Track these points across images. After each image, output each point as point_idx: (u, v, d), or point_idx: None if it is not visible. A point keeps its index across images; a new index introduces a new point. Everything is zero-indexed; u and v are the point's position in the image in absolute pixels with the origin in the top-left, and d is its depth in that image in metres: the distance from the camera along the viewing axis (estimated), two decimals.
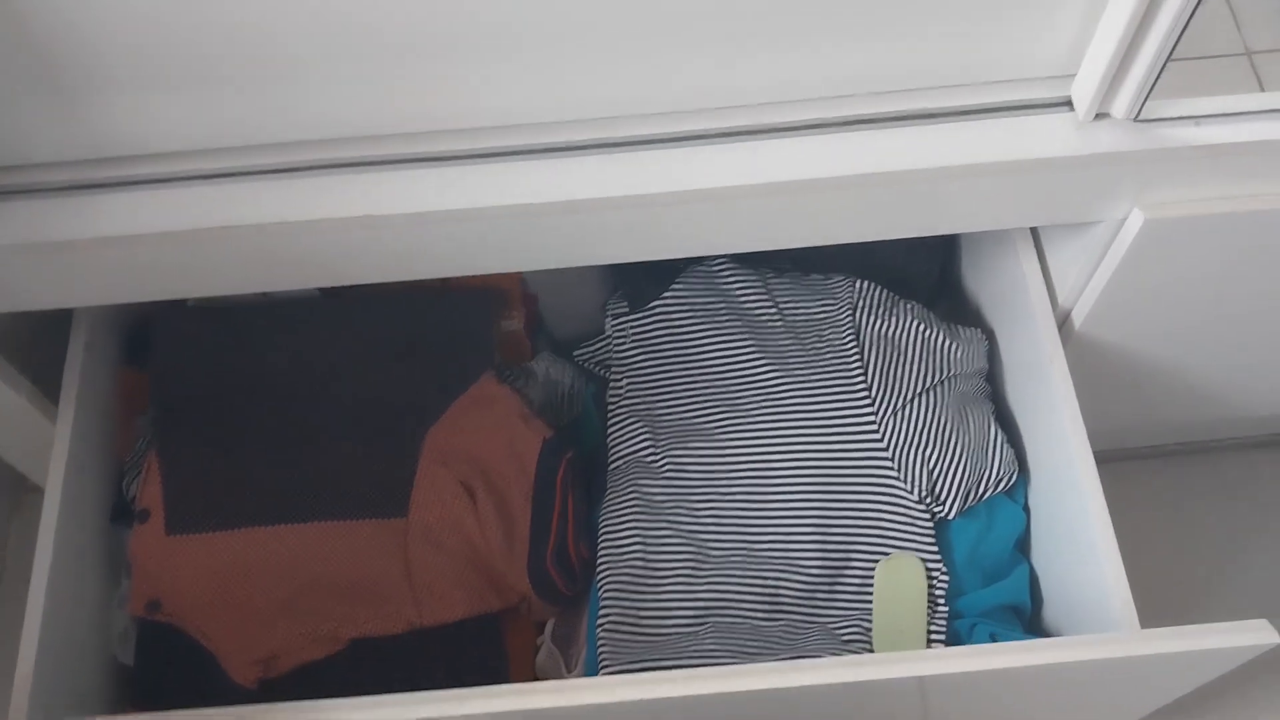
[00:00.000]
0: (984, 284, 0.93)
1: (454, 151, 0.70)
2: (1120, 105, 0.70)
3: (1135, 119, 0.71)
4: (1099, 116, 0.71)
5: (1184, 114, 0.71)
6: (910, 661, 0.66)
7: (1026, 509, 0.87)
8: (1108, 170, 0.72)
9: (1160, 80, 0.68)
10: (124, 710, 0.83)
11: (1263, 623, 0.64)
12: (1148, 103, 0.70)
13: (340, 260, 0.73)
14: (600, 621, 0.80)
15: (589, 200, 0.71)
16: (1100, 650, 0.65)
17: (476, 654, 0.82)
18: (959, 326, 0.90)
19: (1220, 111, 0.72)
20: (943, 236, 0.93)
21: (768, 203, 0.73)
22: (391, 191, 0.70)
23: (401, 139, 0.70)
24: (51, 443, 0.81)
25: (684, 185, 0.72)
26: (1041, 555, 0.86)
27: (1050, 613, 0.85)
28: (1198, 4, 0.63)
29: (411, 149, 0.70)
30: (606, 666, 0.78)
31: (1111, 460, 1.07)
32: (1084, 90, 0.70)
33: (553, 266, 0.77)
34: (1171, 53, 0.66)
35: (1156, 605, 1.03)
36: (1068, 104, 0.72)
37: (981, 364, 0.90)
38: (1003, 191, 0.74)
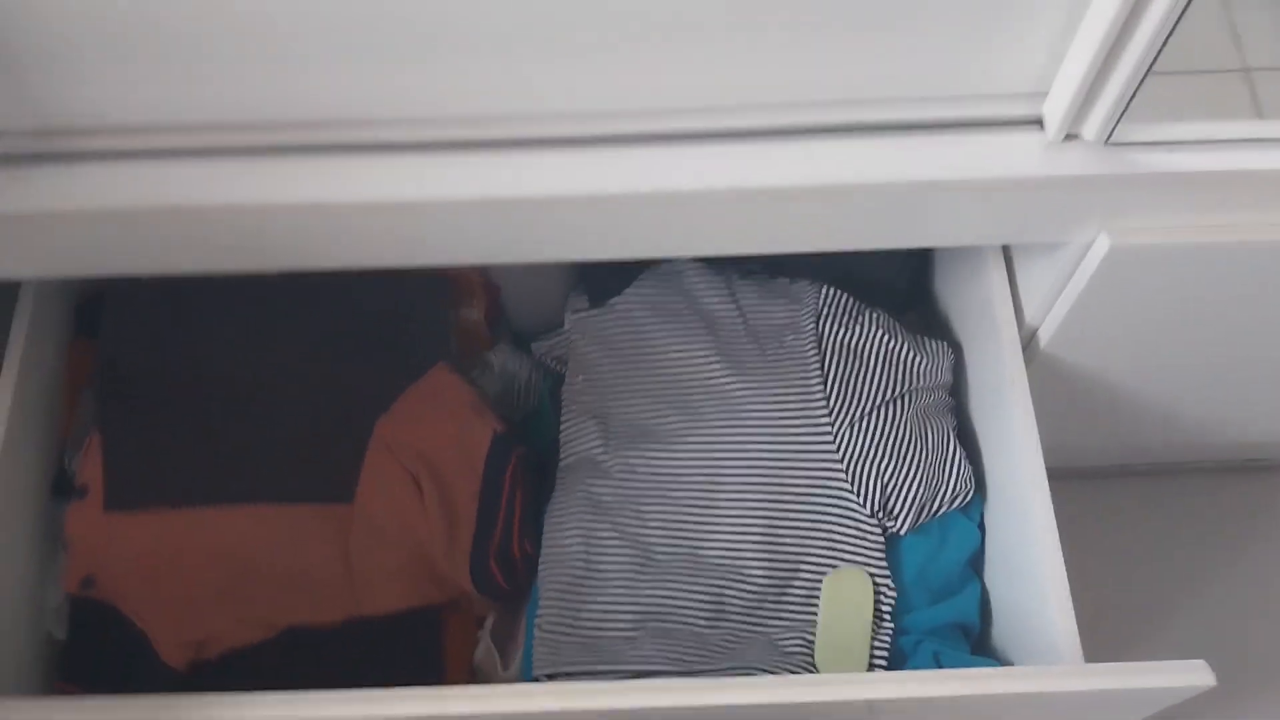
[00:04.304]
0: (954, 297, 0.92)
1: (407, 141, 0.69)
2: (1091, 128, 0.68)
3: (1106, 142, 0.69)
4: (1069, 138, 0.70)
5: (1158, 139, 0.70)
6: (849, 684, 0.65)
7: (982, 527, 0.86)
8: (1075, 193, 0.70)
9: (1141, 97, 0.67)
10: (53, 683, 0.82)
11: (1200, 664, 0.63)
12: (1120, 125, 0.68)
13: (286, 247, 0.71)
14: (538, 621, 0.79)
15: (550, 198, 0.69)
16: (1036, 683, 0.64)
17: (413, 647, 0.81)
18: (925, 339, 0.89)
19: (1196, 138, 0.70)
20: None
21: (732, 209, 0.72)
22: (340, 179, 0.68)
23: (353, 125, 0.68)
24: None
25: (648, 187, 0.70)
26: (993, 575, 0.85)
27: (998, 634, 0.84)
28: (1174, 28, 0.61)
29: (364, 136, 0.69)
30: (541, 668, 0.76)
31: (1072, 477, 1.06)
32: (1055, 110, 0.68)
33: (509, 262, 0.76)
34: (1145, 77, 0.65)
35: (1106, 627, 1.02)
36: (1039, 123, 0.70)
37: (946, 378, 0.88)
38: (969, 209, 0.73)
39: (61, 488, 0.84)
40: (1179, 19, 0.60)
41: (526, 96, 0.69)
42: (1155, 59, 0.63)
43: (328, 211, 0.69)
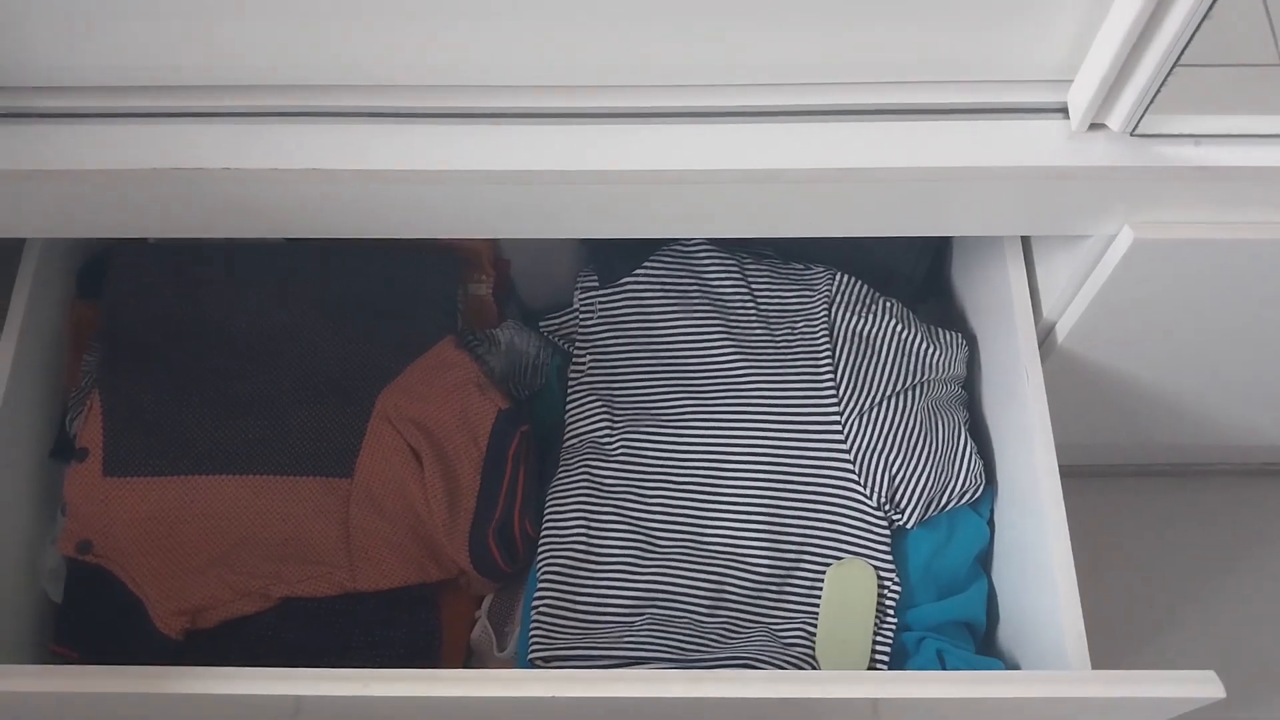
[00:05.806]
0: (971, 288, 0.90)
1: (412, 109, 0.68)
2: (1117, 118, 0.66)
3: (1132, 133, 0.67)
4: (1094, 127, 0.68)
5: (1184, 131, 0.68)
6: (848, 682, 0.64)
7: (991, 523, 0.84)
8: (1098, 184, 0.69)
9: (1171, 88, 0.65)
10: (49, 646, 0.82)
11: (1210, 674, 0.62)
12: (1147, 116, 0.66)
13: (290, 213, 0.70)
14: (535, 603, 0.77)
15: (559, 173, 0.68)
16: (1041, 689, 0.63)
17: (408, 624, 0.80)
18: (940, 330, 0.87)
19: (1223, 132, 0.68)
20: (933, 236, 0.90)
21: (746, 190, 0.70)
22: (345, 146, 0.67)
23: (358, 91, 0.67)
24: None
25: (659, 165, 0.69)
26: (1002, 573, 0.83)
27: (1005, 633, 0.82)
28: (1204, 17, 0.59)
29: (369, 103, 0.68)
30: (536, 651, 0.75)
31: (1087, 475, 1.04)
32: (1079, 99, 0.66)
33: (515, 237, 0.75)
34: (1174, 67, 0.63)
35: (1115, 630, 1.00)
36: (1063, 111, 0.69)
37: (960, 370, 0.86)
38: (989, 197, 0.71)
39: (62, 450, 0.84)
40: (1209, 9, 0.58)
41: (537, 68, 0.67)
42: (1184, 49, 0.61)
43: (332, 178, 0.68)
